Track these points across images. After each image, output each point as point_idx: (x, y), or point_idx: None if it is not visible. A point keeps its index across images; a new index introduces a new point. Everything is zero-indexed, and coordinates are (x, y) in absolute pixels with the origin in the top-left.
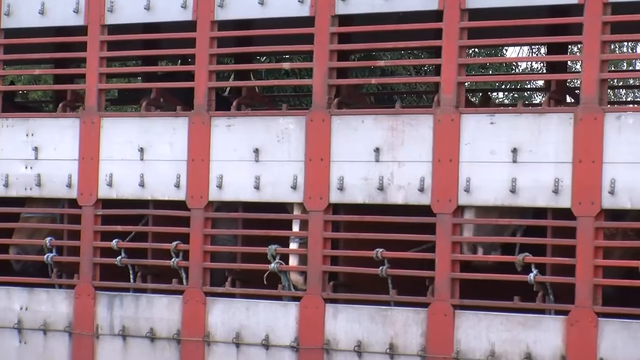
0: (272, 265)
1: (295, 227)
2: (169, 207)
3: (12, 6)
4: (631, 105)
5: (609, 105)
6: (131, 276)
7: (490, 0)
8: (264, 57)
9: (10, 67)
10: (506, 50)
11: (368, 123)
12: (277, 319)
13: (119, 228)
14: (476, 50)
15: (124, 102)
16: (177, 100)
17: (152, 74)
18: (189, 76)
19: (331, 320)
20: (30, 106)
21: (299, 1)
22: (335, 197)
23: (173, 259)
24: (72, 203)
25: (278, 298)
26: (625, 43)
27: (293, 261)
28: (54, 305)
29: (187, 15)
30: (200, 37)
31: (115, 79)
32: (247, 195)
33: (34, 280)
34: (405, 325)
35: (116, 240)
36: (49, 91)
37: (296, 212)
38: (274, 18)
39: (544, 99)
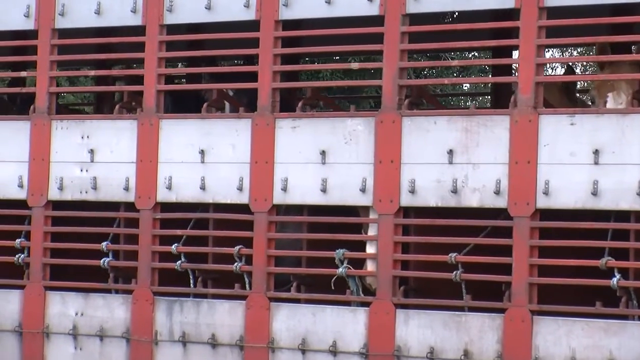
0: (340, 269)
1: (372, 231)
2: (231, 211)
3: (66, 6)
4: None
5: None
6: (191, 281)
7: None
8: (306, 59)
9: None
10: None
11: (441, 124)
12: (345, 325)
13: (178, 232)
14: None
15: None
16: (232, 100)
17: (212, 75)
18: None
19: (402, 326)
20: (70, 108)
21: (368, 0)
22: (406, 200)
23: (236, 264)
24: (130, 206)
25: (345, 303)
26: None
27: (371, 266)
28: (110, 310)
29: (249, 15)
30: (264, 37)
31: None
32: (314, 198)
33: (89, 285)
34: (480, 331)
35: (176, 244)
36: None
37: (372, 215)
38: (341, 17)
39: None
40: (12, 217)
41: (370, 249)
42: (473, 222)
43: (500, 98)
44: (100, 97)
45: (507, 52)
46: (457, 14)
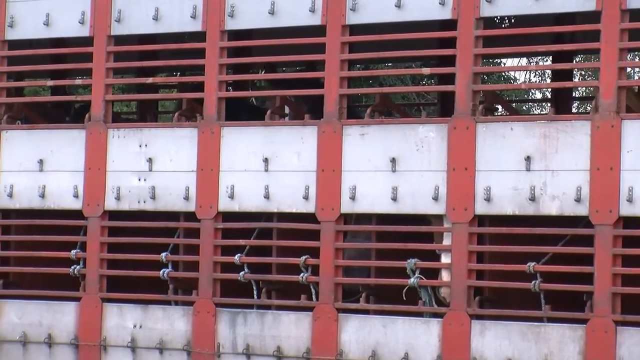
0: (412, 279)
1: (447, 241)
2: (296, 220)
3: (123, 12)
4: None
5: None
6: (255, 292)
7: None
8: (358, 65)
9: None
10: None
11: (518, 130)
12: (418, 337)
13: (242, 242)
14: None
15: None
16: (294, 107)
17: (275, 81)
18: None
19: (478, 337)
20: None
21: (440, 3)
22: (481, 208)
23: (302, 274)
24: (190, 216)
25: (417, 314)
26: None
27: (446, 277)
28: (171, 322)
29: (315, 20)
30: (330, 43)
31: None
32: (383, 207)
33: (148, 296)
34: (560, 342)
35: (239, 254)
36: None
37: (447, 225)
38: (411, 22)
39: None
40: (67, 227)
41: (446, 259)
42: (553, 230)
43: (559, 105)
44: (143, 106)
45: (567, 57)
46: (514, 18)
